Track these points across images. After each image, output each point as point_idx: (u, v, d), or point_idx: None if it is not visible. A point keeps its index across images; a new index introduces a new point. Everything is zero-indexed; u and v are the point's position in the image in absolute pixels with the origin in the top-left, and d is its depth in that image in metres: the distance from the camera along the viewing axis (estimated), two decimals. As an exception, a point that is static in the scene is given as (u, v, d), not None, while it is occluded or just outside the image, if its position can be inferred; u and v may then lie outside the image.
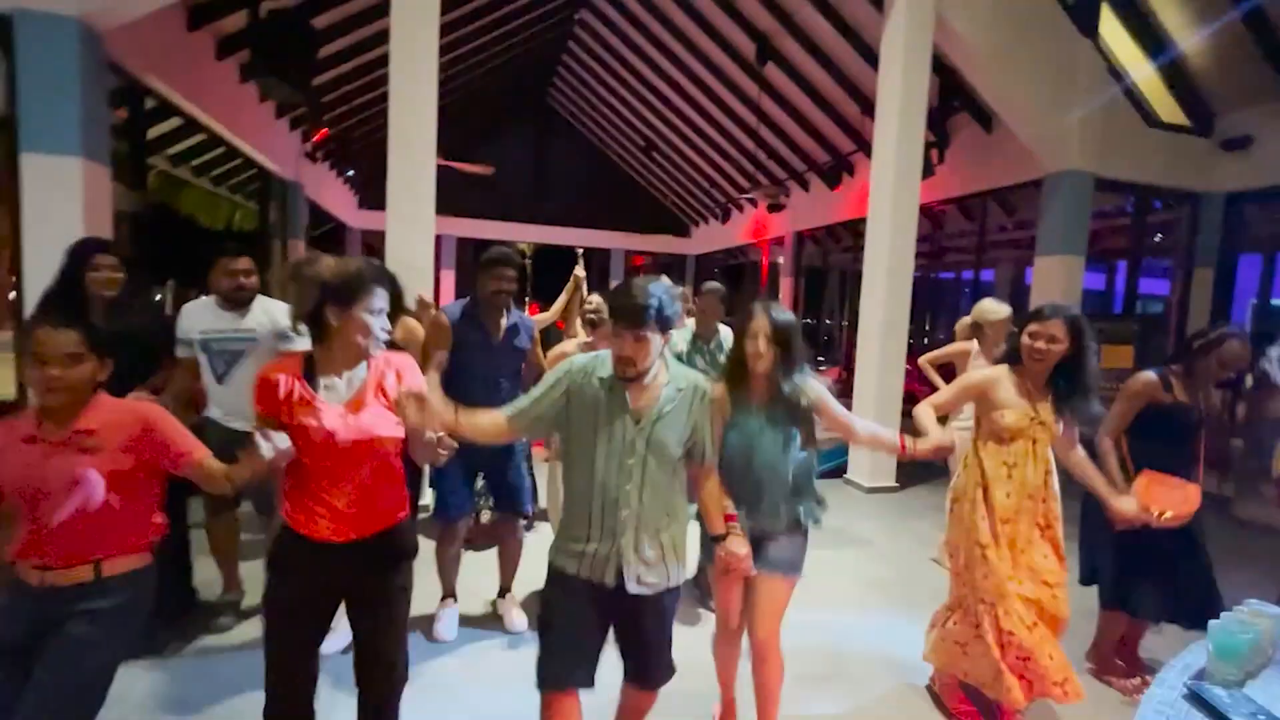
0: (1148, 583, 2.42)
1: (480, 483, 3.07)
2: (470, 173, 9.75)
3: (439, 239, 13.55)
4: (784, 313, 1.90)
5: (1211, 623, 1.03)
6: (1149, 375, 2.45)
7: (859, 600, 3.38)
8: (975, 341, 3.61)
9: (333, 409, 1.54)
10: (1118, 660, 2.66)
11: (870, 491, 5.35)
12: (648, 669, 1.74)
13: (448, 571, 2.83)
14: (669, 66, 9.72)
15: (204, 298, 2.65)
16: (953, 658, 2.26)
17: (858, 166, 8.59)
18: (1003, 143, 6.43)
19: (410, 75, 4.11)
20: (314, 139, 8.20)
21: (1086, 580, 2.65)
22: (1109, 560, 2.50)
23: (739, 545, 1.80)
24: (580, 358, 1.72)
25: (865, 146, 8.28)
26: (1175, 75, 6.00)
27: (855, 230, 9.53)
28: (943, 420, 2.35)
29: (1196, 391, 2.44)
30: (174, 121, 6.12)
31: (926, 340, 10.23)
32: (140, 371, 2.40)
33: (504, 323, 2.71)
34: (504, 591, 2.93)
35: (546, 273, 16.71)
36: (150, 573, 1.67)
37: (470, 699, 2.38)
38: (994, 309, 3.52)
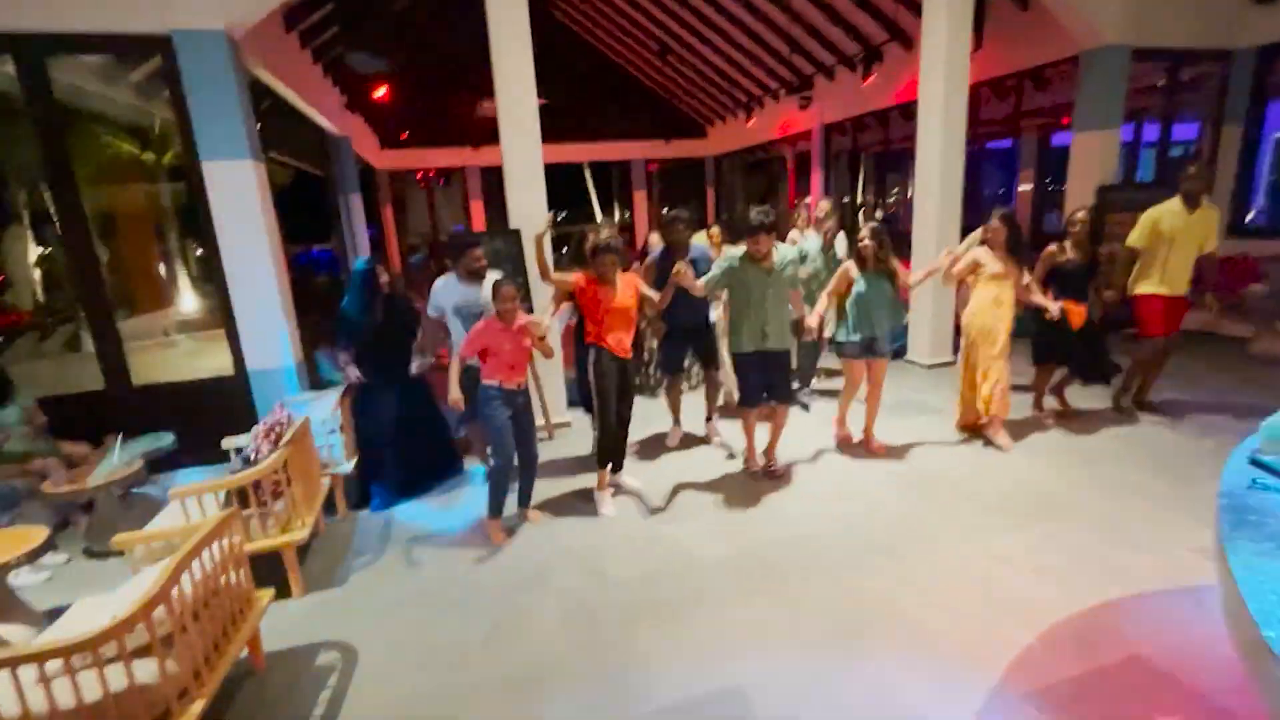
0: (1061, 351, 4.44)
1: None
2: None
3: (463, 171, 13.92)
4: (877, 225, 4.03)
5: (1268, 419, 1.76)
6: (1050, 247, 4.39)
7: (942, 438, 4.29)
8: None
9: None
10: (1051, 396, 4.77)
11: (930, 368, 6.13)
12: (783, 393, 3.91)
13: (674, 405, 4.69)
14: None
15: (448, 276, 3.93)
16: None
17: (888, 55, 8.69)
18: (1038, 21, 6.62)
19: (509, 19, 4.46)
20: (376, 95, 8.44)
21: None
22: (1042, 340, 4.47)
23: None
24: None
25: (899, 35, 8.39)
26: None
27: (883, 117, 9.74)
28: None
29: (1076, 250, 4.33)
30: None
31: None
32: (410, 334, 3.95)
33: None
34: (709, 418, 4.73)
35: (558, 192, 16.98)
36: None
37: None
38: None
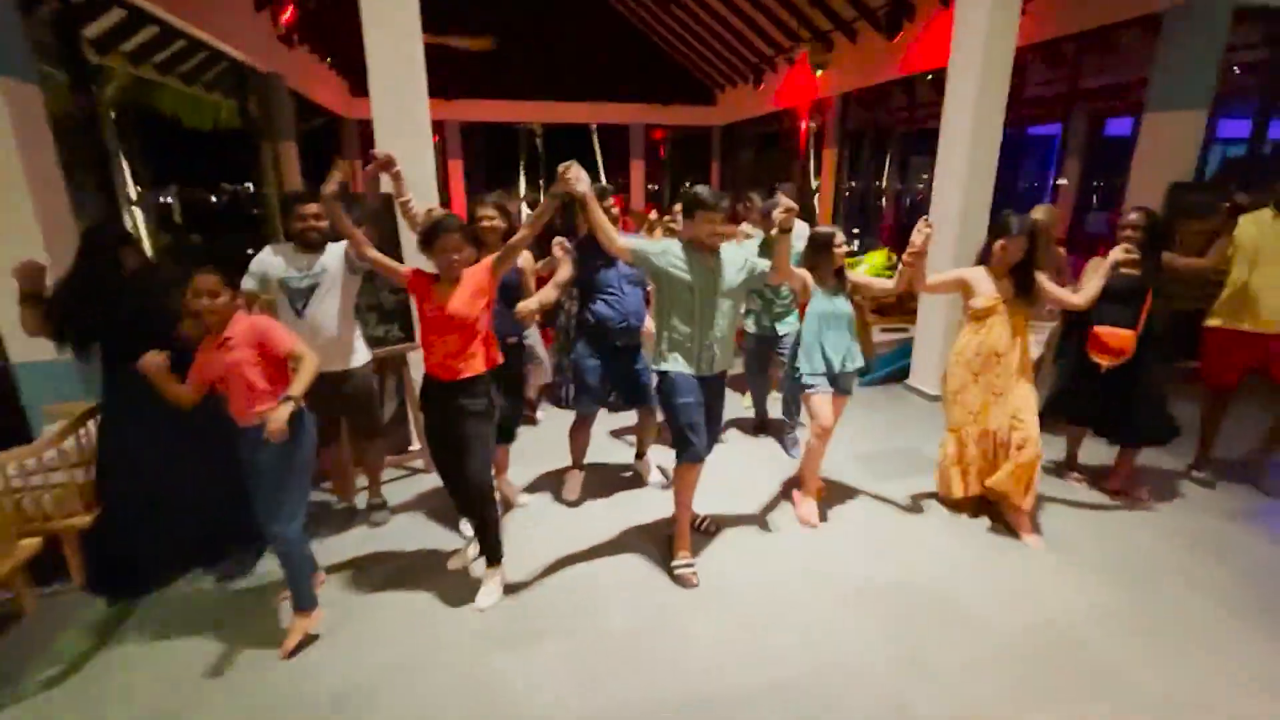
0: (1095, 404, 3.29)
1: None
2: (468, 49, 8.58)
3: (440, 125, 12.57)
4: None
5: None
6: (1097, 258, 3.14)
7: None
8: None
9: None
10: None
11: (936, 399, 4.89)
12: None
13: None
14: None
15: (278, 244, 2.87)
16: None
17: (921, 9, 7.25)
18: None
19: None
20: (282, 20, 7.14)
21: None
22: (1073, 391, 3.34)
23: None
24: None
25: (933, -17, 6.94)
26: None
27: (910, 88, 8.32)
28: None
29: (1144, 264, 3.09)
30: (116, 14, 5.24)
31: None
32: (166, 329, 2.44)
33: None
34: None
35: (558, 153, 15.53)
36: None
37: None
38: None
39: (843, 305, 3.06)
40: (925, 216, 2.87)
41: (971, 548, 3.00)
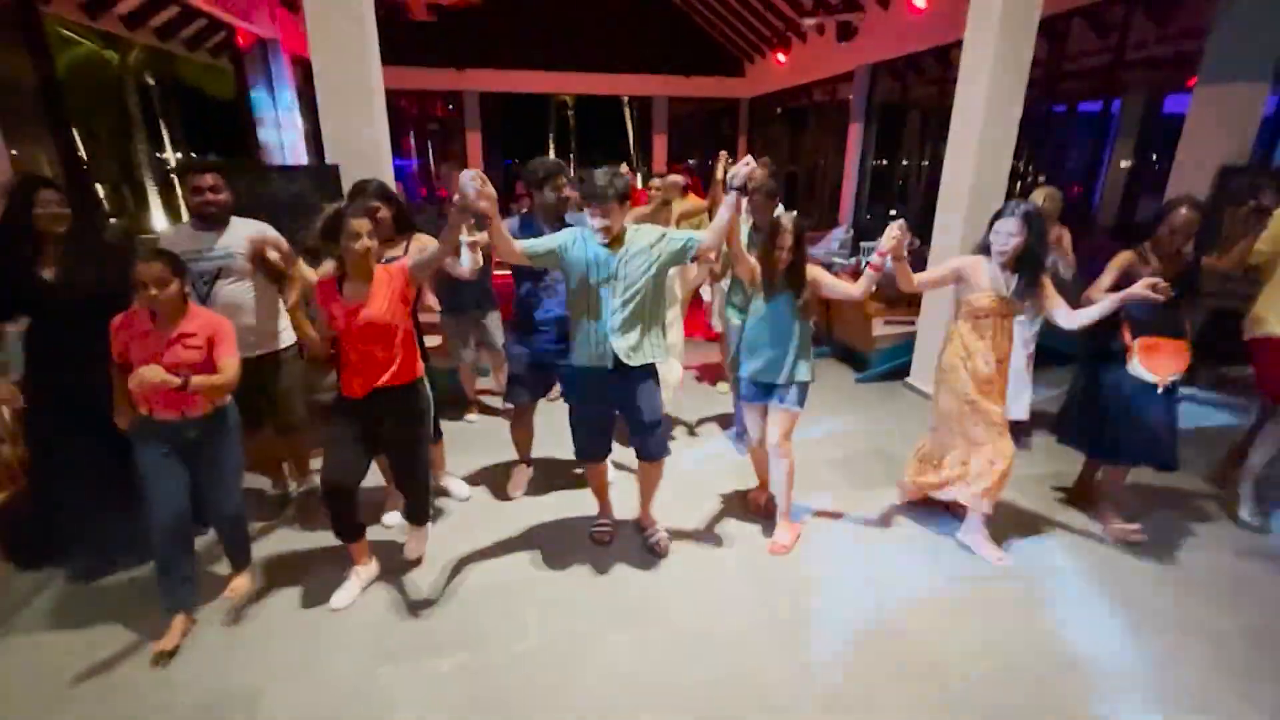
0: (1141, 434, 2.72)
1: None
2: (457, 4, 8.20)
3: (459, 95, 12.34)
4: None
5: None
6: (1126, 252, 2.75)
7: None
8: None
9: None
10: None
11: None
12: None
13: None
14: None
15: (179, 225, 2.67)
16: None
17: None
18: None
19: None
20: None
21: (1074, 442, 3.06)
22: (1110, 422, 2.79)
23: None
24: None
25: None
26: None
27: (944, 58, 7.69)
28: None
29: (1166, 260, 2.65)
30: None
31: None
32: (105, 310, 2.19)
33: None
34: None
35: (589, 127, 15.13)
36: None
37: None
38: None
39: (788, 310, 2.57)
40: (900, 220, 2.47)
41: (944, 576, 2.69)
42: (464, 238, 2.31)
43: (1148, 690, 2.10)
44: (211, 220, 2.60)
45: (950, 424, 2.76)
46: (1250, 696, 2.08)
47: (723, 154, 4.42)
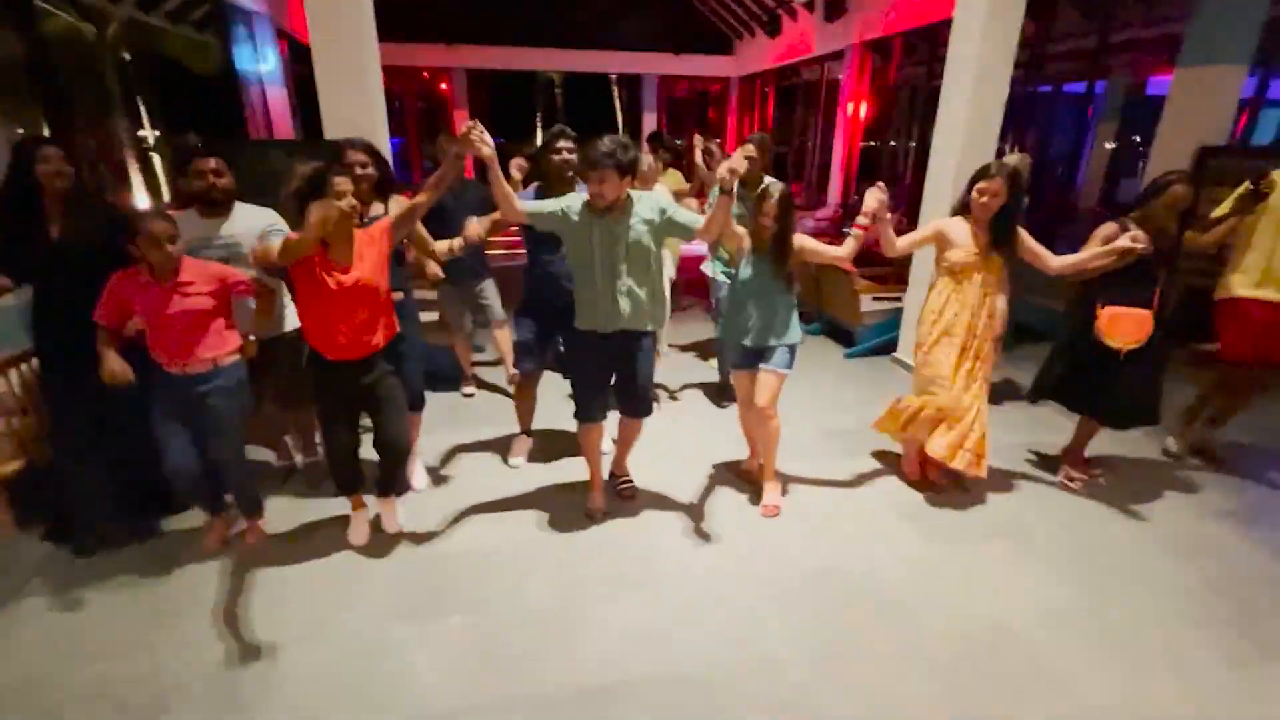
0: (1108, 394, 2.94)
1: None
2: None
3: (448, 72, 12.19)
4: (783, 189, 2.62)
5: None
6: (1110, 223, 2.83)
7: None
8: None
9: None
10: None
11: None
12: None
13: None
14: None
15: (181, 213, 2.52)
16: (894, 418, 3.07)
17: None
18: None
19: None
20: None
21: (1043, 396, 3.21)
22: (1084, 376, 2.98)
23: None
24: None
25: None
26: None
27: (934, 38, 7.73)
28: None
29: (1153, 235, 2.75)
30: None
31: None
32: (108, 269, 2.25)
33: None
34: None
35: (577, 105, 15.00)
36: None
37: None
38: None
39: (774, 277, 2.68)
40: (880, 183, 2.60)
41: (929, 538, 2.82)
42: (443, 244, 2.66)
43: (1114, 644, 2.25)
44: (216, 206, 2.56)
45: (930, 361, 2.90)
46: (1210, 644, 2.24)
47: (697, 136, 4.50)
